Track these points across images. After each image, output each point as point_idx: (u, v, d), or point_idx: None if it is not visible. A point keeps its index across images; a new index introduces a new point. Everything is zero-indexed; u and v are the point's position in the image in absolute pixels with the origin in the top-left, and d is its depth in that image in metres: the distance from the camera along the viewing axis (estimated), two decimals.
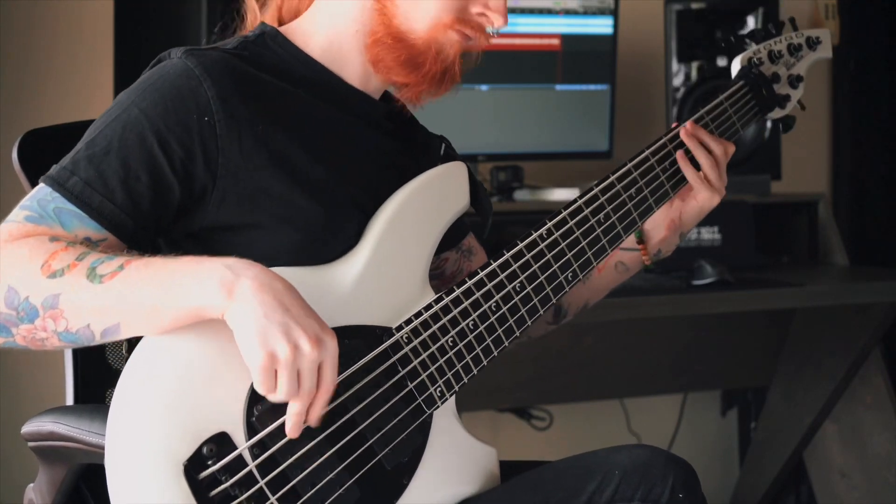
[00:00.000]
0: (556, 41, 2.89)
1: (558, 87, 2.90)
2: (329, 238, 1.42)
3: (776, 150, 3.04)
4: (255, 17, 1.55)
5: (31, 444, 1.47)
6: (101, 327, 1.27)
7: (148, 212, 1.35)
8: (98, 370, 1.57)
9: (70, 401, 1.60)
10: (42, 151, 1.49)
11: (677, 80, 2.98)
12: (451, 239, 1.61)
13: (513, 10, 2.82)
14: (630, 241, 1.68)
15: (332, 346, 1.26)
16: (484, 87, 2.83)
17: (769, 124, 2.92)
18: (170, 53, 1.43)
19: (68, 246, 1.29)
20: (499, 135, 2.86)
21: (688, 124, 1.64)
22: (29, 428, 1.46)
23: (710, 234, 2.85)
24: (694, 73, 2.98)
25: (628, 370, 3.12)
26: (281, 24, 1.53)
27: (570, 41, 2.89)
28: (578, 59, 2.90)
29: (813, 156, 3.53)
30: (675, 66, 2.99)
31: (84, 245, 1.31)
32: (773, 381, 3.23)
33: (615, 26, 2.92)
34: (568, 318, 1.73)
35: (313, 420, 1.28)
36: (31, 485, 1.51)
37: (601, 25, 2.91)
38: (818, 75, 3.51)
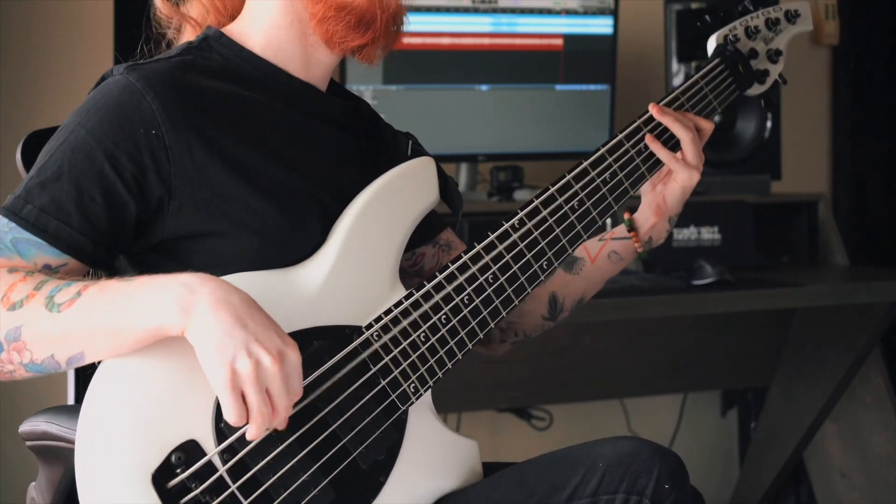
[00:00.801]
0: (558, 41, 2.89)
1: (558, 87, 2.90)
2: (291, 239, 1.42)
3: (776, 150, 3.04)
4: (202, 20, 1.55)
5: (28, 443, 1.47)
6: (65, 356, 1.28)
7: (106, 231, 1.35)
8: None
9: (71, 400, 1.60)
10: None
11: (677, 80, 2.98)
12: (426, 234, 1.61)
13: (513, 10, 2.82)
14: (620, 229, 1.68)
15: (293, 358, 1.26)
16: (484, 87, 2.83)
17: (769, 124, 2.92)
18: (112, 71, 1.43)
19: (27, 276, 1.29)
20: (499, 135, 2.86)
21: (652, 106, 1.62)
22: (25, 427, 1.47)
23: (710, 234, 2.85)
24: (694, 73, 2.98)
25: (628, 370, 3.12)
26: (225, 24, 1.53)
27: (571, 41, 2.89)
28: (579, 59, 2.91)
29: (813, 156, 3.53)
30: (675, 66, 2.99)
31: (43, 273, 1.31)
32: (773, 381, 3.23)
33: (615, 26, 2.92)
34: (564, 313, 1.71)
35: (278, 424, 1.27)
36: (33, 483, 1.51)
37: (601, 25, 2.91)
38: (818, 75, 3.51)
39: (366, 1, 1.46)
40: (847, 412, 3.13)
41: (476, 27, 2.80)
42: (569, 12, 2.88)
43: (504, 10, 2.82)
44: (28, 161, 1.56)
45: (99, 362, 1.30)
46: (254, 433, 1.26)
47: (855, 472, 3.14)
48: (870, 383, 3.07)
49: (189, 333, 1.24)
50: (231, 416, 1.24)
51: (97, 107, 1.38)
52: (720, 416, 3.45)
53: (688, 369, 3.18)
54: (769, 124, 2.93)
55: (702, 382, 3.29)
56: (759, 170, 3.00)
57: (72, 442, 1.37)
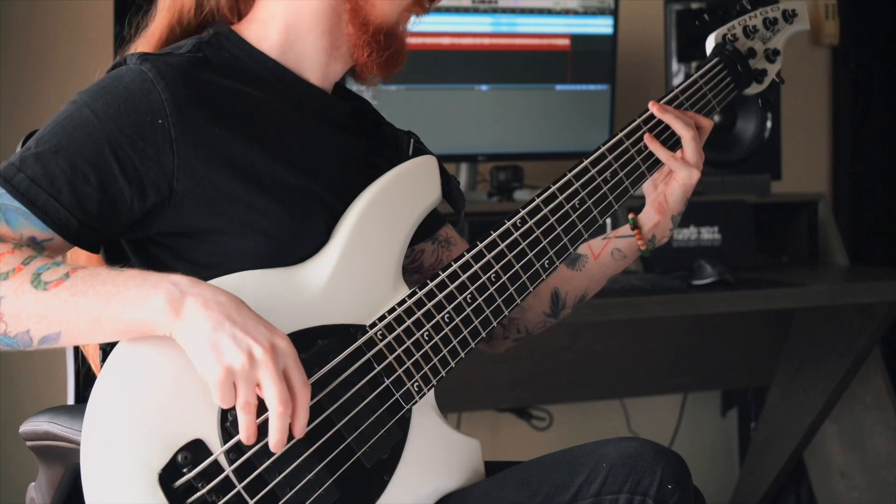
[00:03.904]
0: (565, 41, 2.88)
1: (558, 87, 2.91)
2: (295, 239, 1.42)
3: (776, 150, 3.05)
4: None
5: (28, 443, 1.47)
6: (41, 334, 1.28)
7: (94, 213, 1.35)
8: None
9: (71, 400, 1.60)
10: None
11: (677, 80, 2.98)
12: (426, 230, 1.61)
13: (513, 10, 2.82)
14: (625, 228, 1.68)
15: (285, 347, 1.27)
16: (484, 87, 2.83)
17: (769, 124, 2.93)
18: (125, 59, 1.43)
19: (15, 248, 1.30)
20: (499, 135, 2.87)
21: (652, 104, 1.63)
22: (26, 427, 1.47)
23: (710, 234, 2.85)
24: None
25: (628, 370, 3.12)
26: (239, 19, 1.52)
27: (576, 41, 2.89)
28: (579, 59, 2.91)
29: (813, 156, 3.53)
30: (675, 66, 2.99)
31: (31, 248, 1.31)
32: (773, 381, 3.23)
33: (615, 26, 2.92)
34: (566, 309, 1.71)
35: (299, 430, 1.28)
36: (33, 483, 1.52)
37: (601, 25, 2.91)
38: (818, 75, 3.51)
39: (402, 34, 1.51)
40: (847, 412, 3.13)
41: (476, 27, 2.80)
42: (569, 12, 2.88)
43: (504, 10, 2.82)
44: None
45: (103, 361, 1.29)
46: (244, 425, 1.25)
47: (855, 472, 3.14)
48: (870, 383, 3.07)
49: (178, 334, 1.25)
50: (223, 404, 1.25)
51: (106, 90, 1.38)
52: (720, 416, 3.46)
53: (688, 369, 3.18)
54: (769, 124, 2.93)
55: (702, 382, 3.29)
56: (759, 170, 3.00)
57: (74, 442, 1.37)
